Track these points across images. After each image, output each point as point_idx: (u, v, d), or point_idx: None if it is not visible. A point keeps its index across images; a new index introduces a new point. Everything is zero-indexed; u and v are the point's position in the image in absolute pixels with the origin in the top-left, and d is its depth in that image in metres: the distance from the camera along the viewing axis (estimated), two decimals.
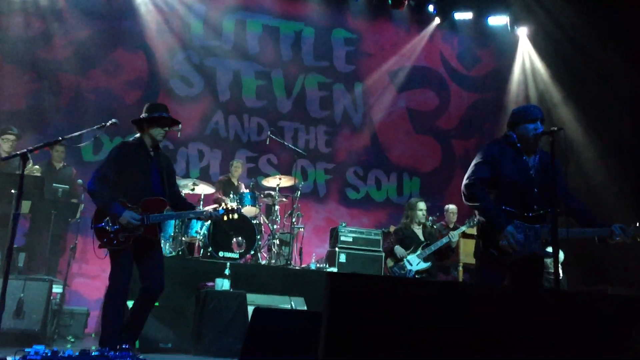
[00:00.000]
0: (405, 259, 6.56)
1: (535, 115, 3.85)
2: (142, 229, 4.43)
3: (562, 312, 1.66)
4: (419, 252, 6.56)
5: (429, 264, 6.55)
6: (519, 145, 3.86)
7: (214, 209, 4.81)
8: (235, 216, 4.79)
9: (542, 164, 3.83)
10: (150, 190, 4.59)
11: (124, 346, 3.90)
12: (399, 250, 6.63)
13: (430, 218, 7.24)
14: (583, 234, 3.78)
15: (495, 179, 3.79)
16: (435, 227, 7.44)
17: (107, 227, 4.37)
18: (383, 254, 7.78)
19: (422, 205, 6.87)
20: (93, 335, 7.47)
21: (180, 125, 5.00)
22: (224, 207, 4.77)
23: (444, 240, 6.54)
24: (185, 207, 4.88)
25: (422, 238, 6.73)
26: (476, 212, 3.88)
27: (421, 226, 6.84)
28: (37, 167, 7.32)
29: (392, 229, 7.71)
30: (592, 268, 8.15)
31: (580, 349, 1.77)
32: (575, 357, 1.66)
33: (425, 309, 1.65)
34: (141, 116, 4.68)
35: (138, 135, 4.72)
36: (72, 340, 6.41)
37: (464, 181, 3.85)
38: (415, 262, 6.52)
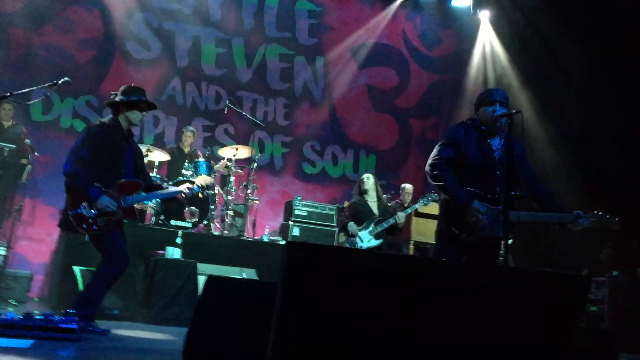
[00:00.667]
0: (357, 235, 6.58)
1: (493, 98, 3.89)
2: (120, 212, 4.43)
3: (520, 288, 1.70)
4: (370, 228, 6.58)
5: (380, 241, 6.57)
6: (483, 128, 3.90)
7: (188, 188, 4.78)
8: (211, 191, 4.77)
9: (506, 147, 3.84)
10: (125, 173, 4.56)
11: (69, 311, 3.81)
12: (351, 227, 6.63)
13: (385, 196, 7.29)
14: (548, 217, 3.87)
15: (459, 160, 3.85)
16: (390, 204, 7.49)
17: (85, 213, 4.31)
18: (337, 229, 7.83)
19: (369, 175, 6.94)
20: (36, 299, 7.31)
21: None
22: (198, 185, 4.76)
23: (391, 220, 6.56)
24: (154, 187, 4.86)
25: (376, 212, 6.75)
26: (440, 191, 3.92)
27: (376, 200, 6.87)
28: None
29: (346, 204, 7.74)
30: (538, 252, 8.42)
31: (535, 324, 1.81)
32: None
33: (382, 281, 1.65)
34: (117, 98, 4.59)
35: (111, 116, 4.64)
36: (15, 303, 6.24)
37: (429, 161, 3.90)
38: (366, 239, 6.55)
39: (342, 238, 6.81)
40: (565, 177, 8.30)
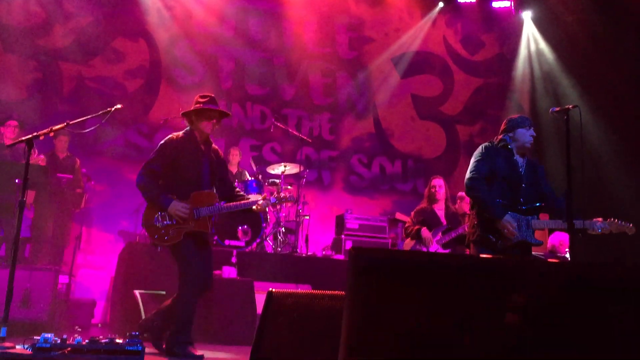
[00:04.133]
0: (424, 242, 6.29)
1: (530, 123, 4.51)
2: (192, 223, 4.40)
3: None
4: (438, 237, 6.30)
5: (448, 251, 6.29)
6: (510, 147, 4.44)
7: (264, 198, 4.72)
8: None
9: (529, 165, 4.48)
10: (200, 184, 4.55)
11: (133, 333, 3.85)
12: (425, 233, 6.35)
13: None
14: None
15: (491, 175, 4.35)
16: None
17: (158, 224, 4.36)
18: (389, 241, 7.73)
19: (439, 181, 6.61)
20: (99, 325, 7.46)
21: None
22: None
23: (460, 230, 6.17)
24: (236, 198, 4.77)
25: (443, 220, 6.49)
26: (477, 203, 4.40)
27: (443, 206, 6.57)
28: (42, 157, 7.25)
29: (397, 215, 7.63)
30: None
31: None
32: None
33: (460, 286, 1.59)
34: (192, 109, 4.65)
35: (188, 128, 4.68)
36: (79, 330, 6.36)
37: (467, 175, 4.41)
38: (433, 249, 6.29)
39: (407, 247, 6.59)
40: (622, 171, 8.03)
